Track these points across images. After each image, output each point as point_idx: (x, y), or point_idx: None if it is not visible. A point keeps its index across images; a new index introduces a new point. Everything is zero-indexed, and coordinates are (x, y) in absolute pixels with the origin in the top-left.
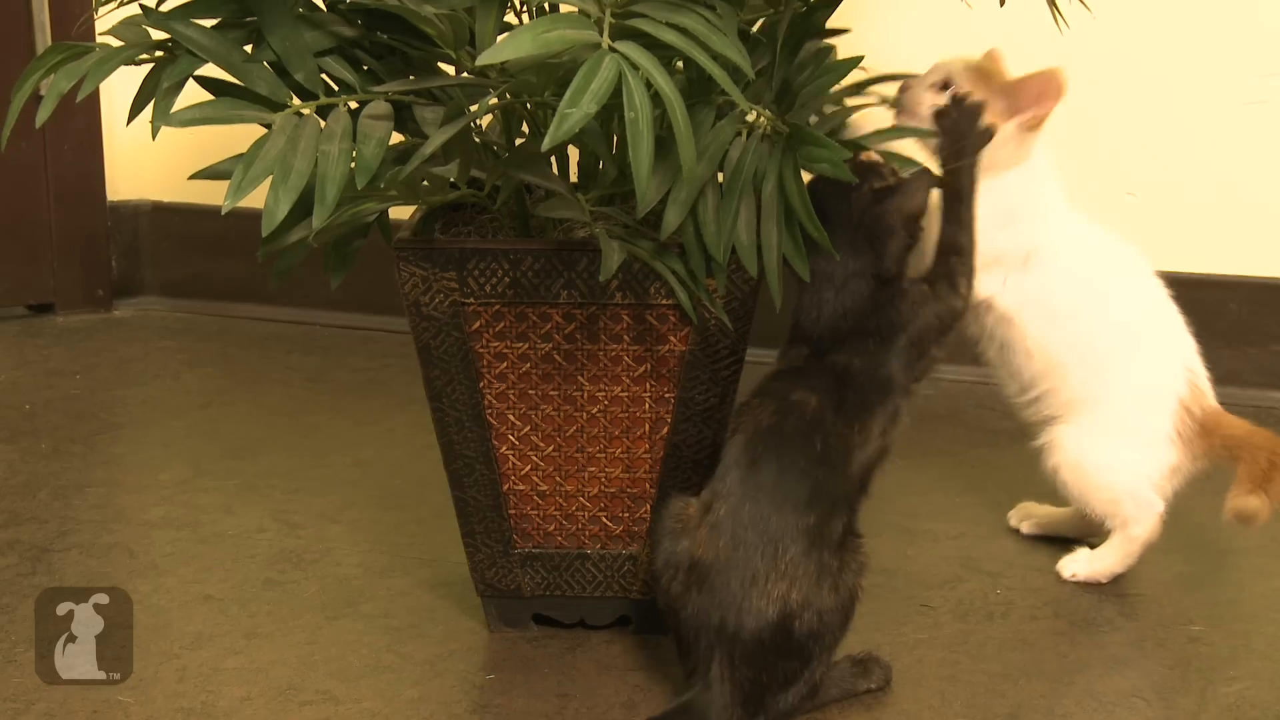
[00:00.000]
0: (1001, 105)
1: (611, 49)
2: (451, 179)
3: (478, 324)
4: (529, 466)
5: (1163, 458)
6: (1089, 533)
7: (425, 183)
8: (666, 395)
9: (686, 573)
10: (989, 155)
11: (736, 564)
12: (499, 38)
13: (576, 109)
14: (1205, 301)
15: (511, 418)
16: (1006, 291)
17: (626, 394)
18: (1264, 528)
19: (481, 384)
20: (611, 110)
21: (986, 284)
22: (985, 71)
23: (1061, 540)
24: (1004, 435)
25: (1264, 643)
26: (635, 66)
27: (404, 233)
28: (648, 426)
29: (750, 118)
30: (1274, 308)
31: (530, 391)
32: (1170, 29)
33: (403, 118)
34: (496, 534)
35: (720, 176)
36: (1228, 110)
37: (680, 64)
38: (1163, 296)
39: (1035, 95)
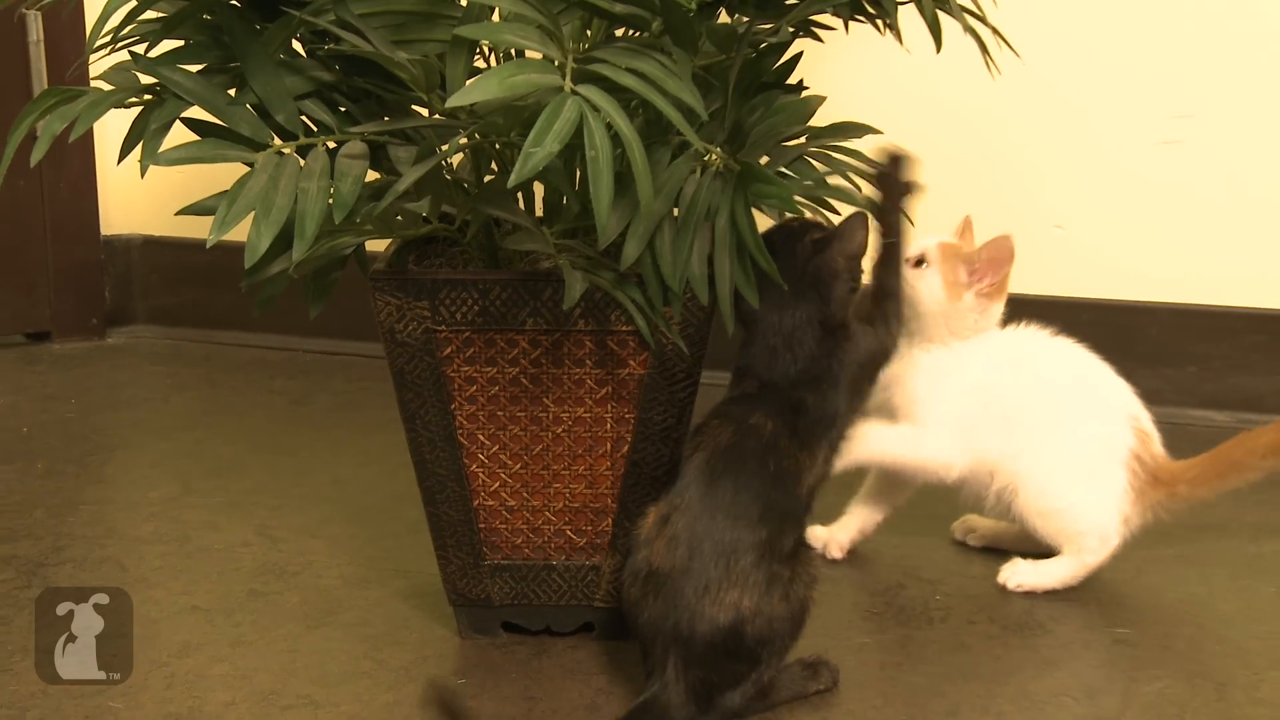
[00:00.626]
0: (966, 276)
1: (573, 92)
2: (424, 214)
3: (449, 350)
4: (498, 483)
5: (1119, 502)
6: (1032, 546)
7: (399, 217)
8: (627, 416)
9: (644, 581)
10: (956, 323)
11: (692, 573)
12: (468, 81)
13: (540, 148)
14: (1128, 326)
15: (481, 438)
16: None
17: (589, 415)
18: (1181, 537)
19: (453, 406)
20: (574, 149)
21: (966, 453)
22: (955, 248)
23: (997, 551)
24: None
25: (1183, 644)
26: (596, 109)
27: (379, 264)
28: (609, 445)
29: (706, 158)
30: (1190, 332)
31: (499, 413)
32: (1092, 73)
33: (378, 157)
34: (467, 547)
35: (676, 211)
36: (1146, 149)
37: (639, 106)
38: (1087, 356)
39: (989, 261)
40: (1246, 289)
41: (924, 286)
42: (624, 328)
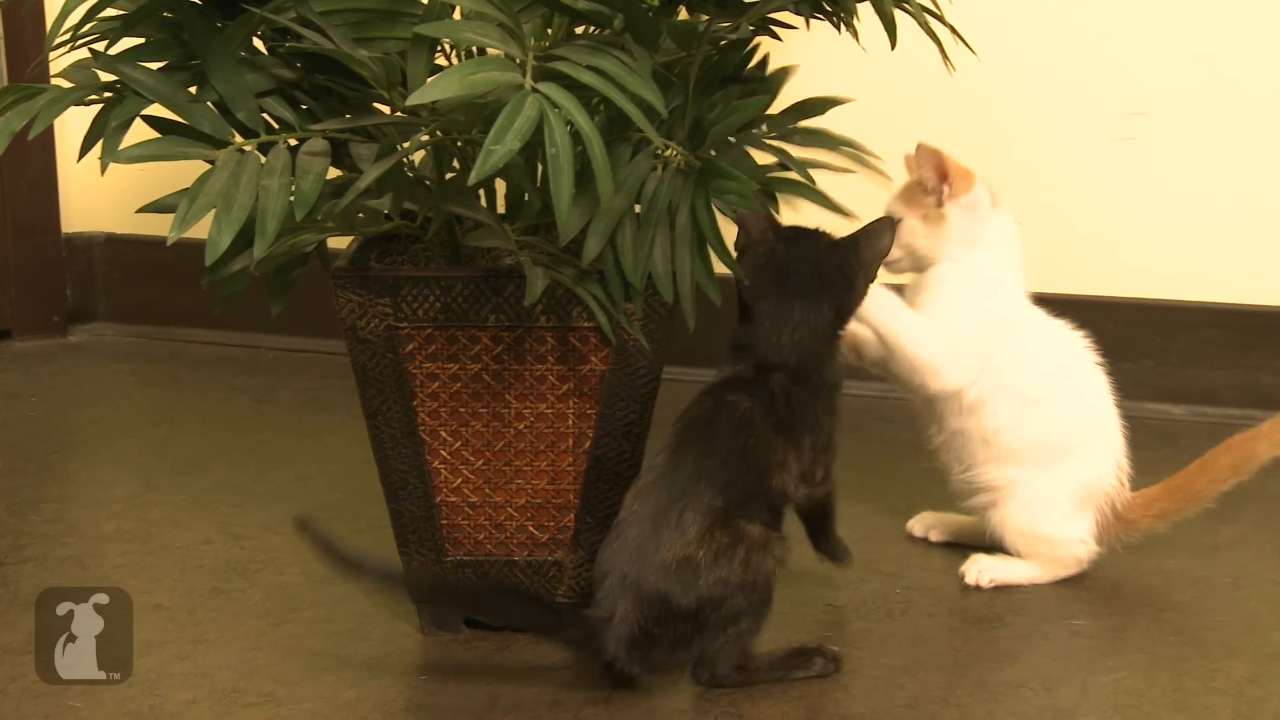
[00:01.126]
0: (930, 199)
1: (534, 90)
2: (385, 211)
3: (411, 346)
4: (460, 480)
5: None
6: (991, 541)
7: (360, 215)
8: (589, 412)
9: (613, 530)
10: (958, 235)
11: (647, 524)
12: (429, 79)
13: (501, 146)
14: (1086, 321)
15: (444, 434)
16: (980, 380)
17: (551, 411)
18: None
19: (415, 403)
20: (535, 146)
21: (960, 373)
22: (909, 186)
23: (957, 546)
24: (902, 447)
25: (1140, 635)
26: (556, 106)
27: (341, 261)
28: (571, 441)
29: (666, 154)
30: (1148, 326)
31: (461, 409)
32: (1048, 70)
33: (339, 154)
34: (430, 543)
35: (637, 208)
36: (1101, 146)
37: (599, 103)
38: (1105, 385)
39: (932, 171)
40: (1202, 284)
41: (913, 240)
42: (586, 324)
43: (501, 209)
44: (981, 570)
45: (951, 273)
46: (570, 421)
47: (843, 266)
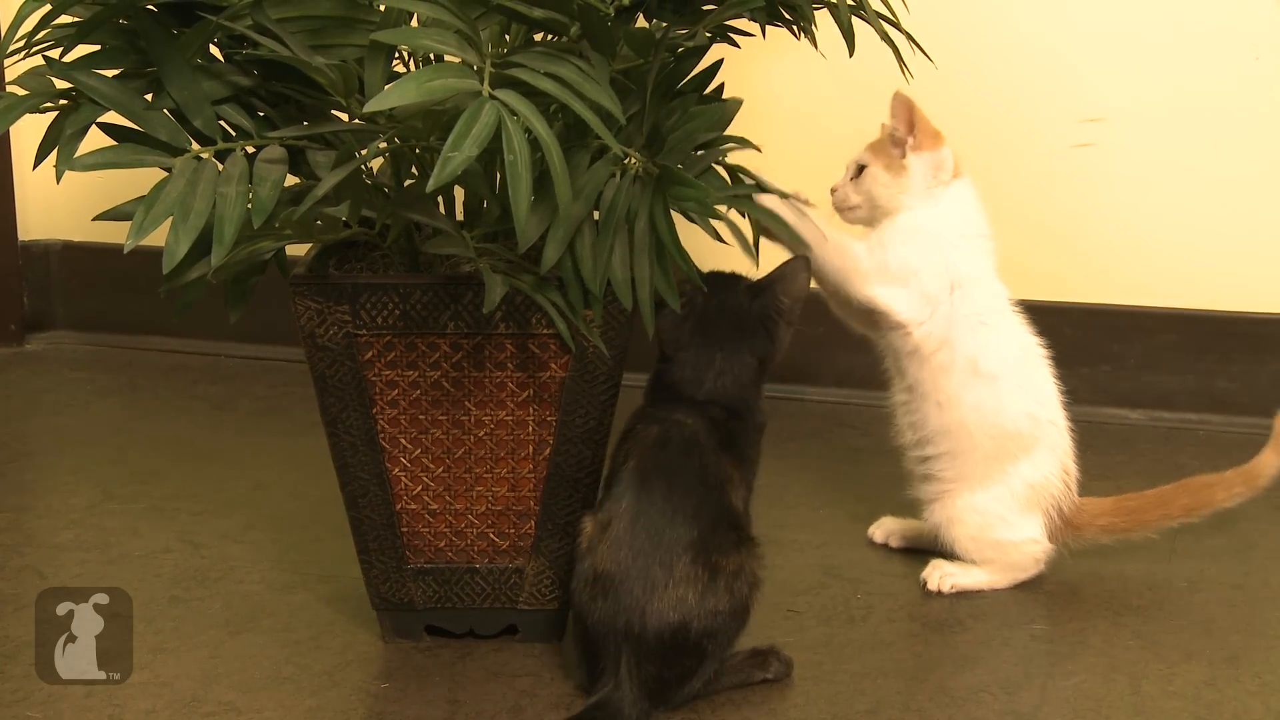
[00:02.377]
0: (896, 150)
1: (492, 97)
2: (344, 218)
3: (370, 354)
4: (420, 487)
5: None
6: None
7: (319, 222)
8: (548, 419)
9: (591, 585)
10: (919, 185)
11: (637, 573)
12: (386, 86)
13: (459, 153)
14: (1043, 326)
15: (403, 441)
16: (930, 324)
17: (511, 418)
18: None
19: (374, 410)
20: (493, 153)
21: (896, 300)
22: (880, 138)
23: (918, 551)
24: (864, 452)
25: (1098, 639)
26: (514, 113)
27: (299, 269)
28: (531, 448)
29: (625, 161)
30: (1103, 331)
31: (421, 417)
32: (1002, 79)
33: (297, 161)
34: (390, 551)
35: (596, 215)
36: (1058, 153)
37: (558, 110)
38: (1055, 389)
39: (901, 122)
40: (1158, 289)
41: (873, 186)
42: (545, 331)
43: (460, 216)
44: (943, 575)
45: (905, 220)
46: (530, 428)
47: (763, 318)
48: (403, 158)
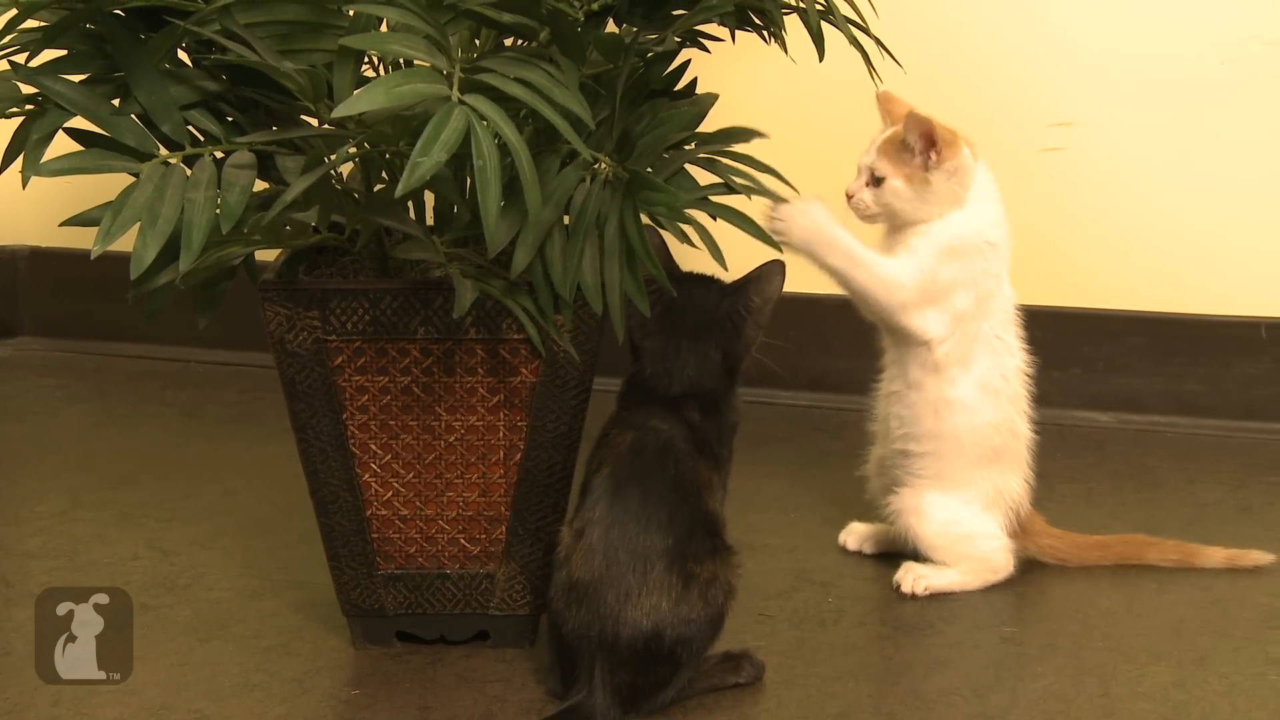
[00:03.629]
0: (918, 164)
1: (461, 102)
2: (313, 223)
3: (340, 359)
4: (391, 493)
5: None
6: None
7: (288, 227)
8: (519, 424)
9: (566, 593)
10: (943, 199)
11: (610, 581)
12: (355, 91)
13: (428, 158)
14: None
15: (374, 447)
16: (953, 342)
17: (482, 423)
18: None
19: (344, 416)
20: (463, 158)
21: (929, 322)
22: (893, 140)
23: (890, 556)
24: (835, 456)
25: (1067, 641)
26: (483, 118)
27: (269, 274)
28: (502, 453)
29: (595, 166)
30: (1073, 334)
31: (391, 422)
32: (971, 84)
33: (266, 166)
34: (361, 557)
35: (566, 219)
36: (1028, 156)
37: (527, 115)
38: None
39: (921, 140)
40: (1127, 293)
41: (895, 200)
42: (515, 336)
43: (430, 221)
44: (916, 578)
45: (939, 234)
46: (501, 433)
47: (731, 313)
48: (372, 163)
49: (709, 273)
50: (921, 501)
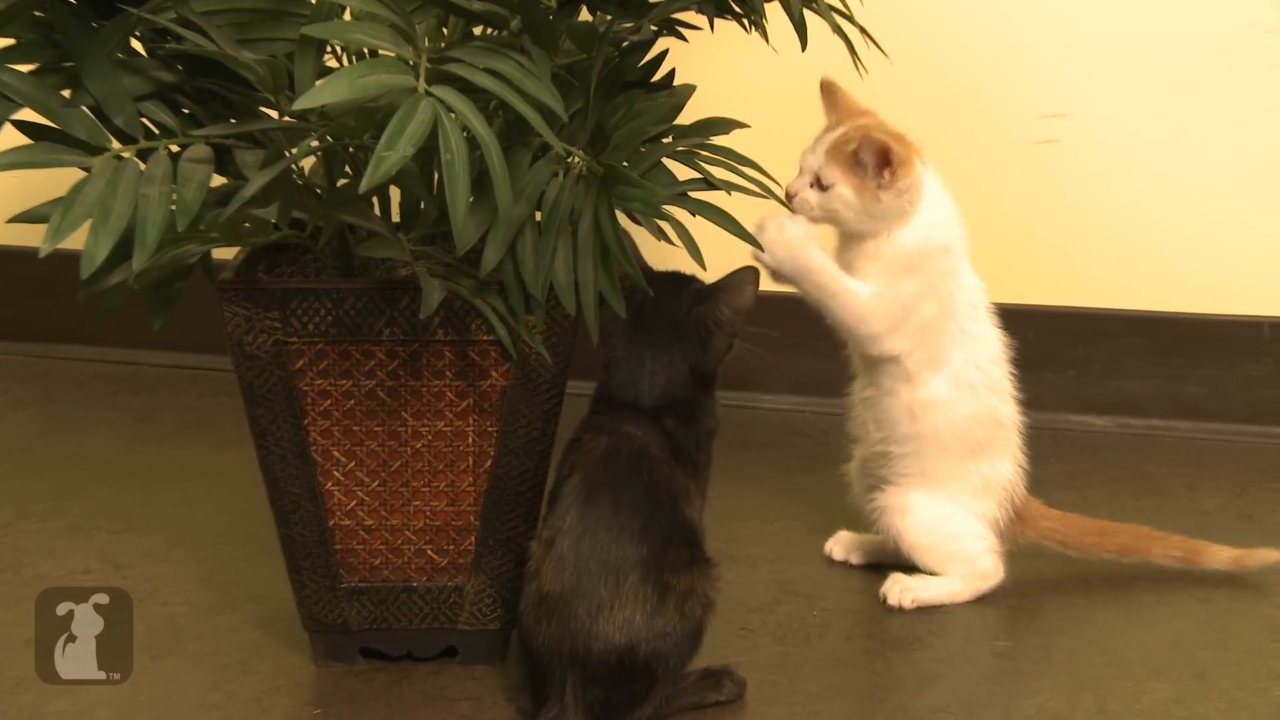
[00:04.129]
0: (870, 180)
1: (428, 93)
2: (273, 220)
3: (301, 362)
4: (355, 502)
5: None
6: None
7: (247, 224)
8: (489, 429)
9: (536, 607)
10: (891, 213)
11: (581, 593)
12: (318, 82)
13: (393, 152)
14: (1005, 330)
15: (337, 454)
16: (920, 349)
17: (450, 429)
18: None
19: (306, 421)
20: (430, 152)
21: (898, 342)
22: (840, 143)
23: (878, 567)
24: (819, 461)
25: (1063, 655)
26: (451, 110)
27: (227, 273)
28: (471, 460)
29: (568, 160)
30: (1068, 335)
31: (355, 428)
32: (960, 74)
33: (224, 161)
34: (323, 569)
35: (538, 216)
36: (1020, 149)
37: (497, 107)
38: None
39: (875, 162)
40: (1124, 291)
41: (842, 209)
42: (485, 337)
43: (396, 217)
44: (903, 590)
45: (894, 247)
46: (470, 439)
47: (699, 325)
48: (335, 157)
49: (683, 270)
50: (906, 499)
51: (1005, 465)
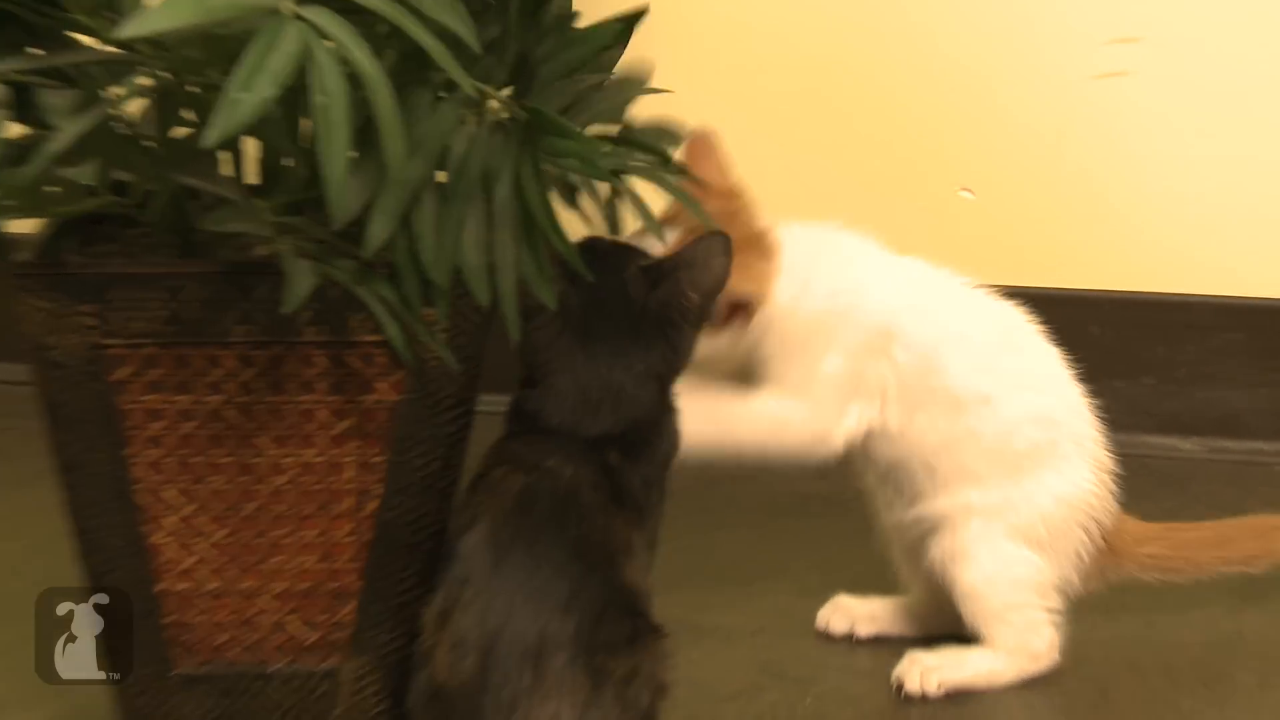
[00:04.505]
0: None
1: (296, 16)
2: (89, 183)
3: (124, 372)
4: (194, 559)
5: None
6: (932, 628)
7: (53, 188)
8: (375, 459)
9: (428, 704)
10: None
11: (489, 687)
12: (151, 2)
13: (250, 93)
14: (1060, 323)
15: (169, 495)
16: (888, 405)
17: (322, 459)
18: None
19: (128, 451)
20: (298, 94)
21: (860, 415)
22: None
23: (889, 641)
24: (815, 500)
25: None
26: (326, 38)
27: (25, 254)
28: (352, 501)
29: (482, 104)
30: (1143, 329)
31: (195, 459)
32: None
33: (23, 104)
34: (149, 649)
35: (441, 177)
36: (1075, 89)
37: (388, 35)
38: (1059, 361)
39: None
40: (1217, 273)
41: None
42: (370, 338)
43: (253, 180)
44: (925, 672)
45: (780, 339)
46: (349, 473)
47: (662, 321)
48: (172, 100)
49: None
50: (963, 542)
51: (1078, 472)
